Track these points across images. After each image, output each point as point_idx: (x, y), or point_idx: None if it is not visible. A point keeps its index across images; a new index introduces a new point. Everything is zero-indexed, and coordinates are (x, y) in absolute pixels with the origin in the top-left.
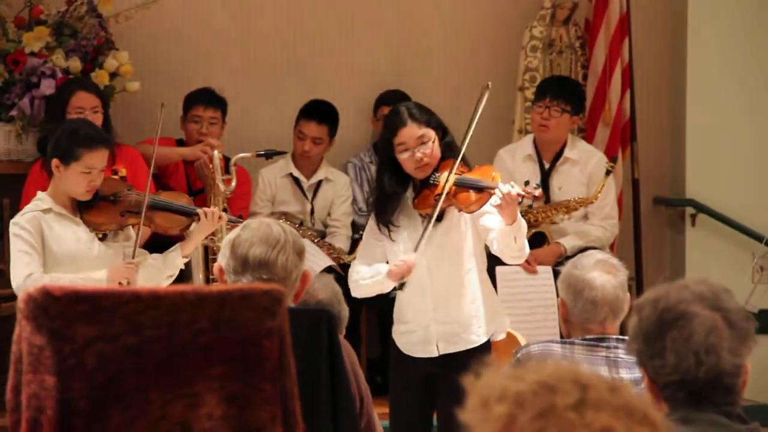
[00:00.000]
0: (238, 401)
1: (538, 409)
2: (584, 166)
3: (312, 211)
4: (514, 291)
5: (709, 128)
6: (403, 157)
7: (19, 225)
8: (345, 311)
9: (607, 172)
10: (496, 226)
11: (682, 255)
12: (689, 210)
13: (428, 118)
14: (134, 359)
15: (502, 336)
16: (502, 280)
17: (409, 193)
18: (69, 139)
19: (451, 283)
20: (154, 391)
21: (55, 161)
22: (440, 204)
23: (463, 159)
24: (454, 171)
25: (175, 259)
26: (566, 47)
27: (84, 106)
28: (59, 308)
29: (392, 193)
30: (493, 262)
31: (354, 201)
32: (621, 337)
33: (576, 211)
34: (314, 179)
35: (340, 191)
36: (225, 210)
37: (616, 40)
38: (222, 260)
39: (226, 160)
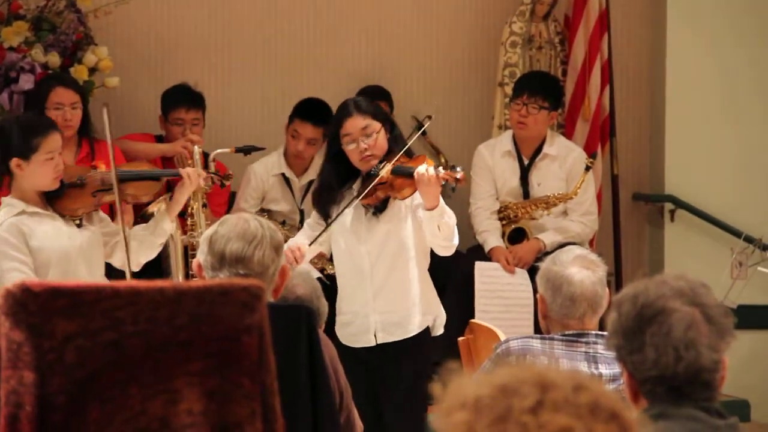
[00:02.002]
0: (217, 397)
1: (495, 414)
2: (563, 161)
3: (302, 214)
4: (491, 287)
5: (688, 124)
6: (349, 148)
7: (1, 238)
8: (324, 306)
9: (587, 168)
10: None
11: (661, 251)
12: (668, 206)
13: (374, 110)
14: (114, 355)
15: (440, 331)
16: (480, 276)
17: (356, 185)
18: (20, 134)
19: (391, 273)
20: (134, 386)
21: (14, 161)
22: (368, 188)
23: (407, 153)
24: (393, 161)
25: (164, 224)
26: (546, 43)
27: (63, 101)
28: (38, 304)
29: (330, 186)
30: (474, 257)
31: None
32: (600, 332)
33: (555, 206)
34: (305, 179)
35: None
36: (204, 206)
37: (596, 36)
38: (200, 256)
39: (206, 155)
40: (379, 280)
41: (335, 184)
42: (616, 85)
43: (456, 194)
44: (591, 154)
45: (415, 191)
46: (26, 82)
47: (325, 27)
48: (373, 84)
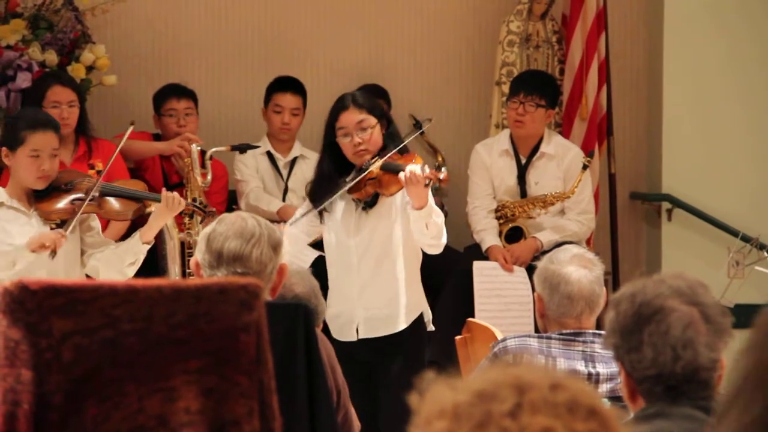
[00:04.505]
0: (214, 395)
1: (474, 421)
2: (561, 160)
3: (285, 190)
4: (490, 286)
5: (685, 123)
6: (343, 141)
7: None
8: (322, 305)
9: (584, 167)
10: None
11: (658, 250)
12: (665, 205)
13: (371, 105)
14: (111, 353)
15: (430, 327)
16: (478, 275)
17: (350, 179)
18: (12, 124)
19: (378, 268)
20: (131, 384)
21: (3, 150)
22: (356, 181)
23: (400, 150)
24: (385, 157)
25: (134, 246)
26: (543, 42)
27: (60, 100)
28: (36, 302)
29: (328, 176)
30: (472, 256)
31: None
32: (597, 331)
33: (553, 205)
34: (290, 156)
35: None
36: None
37: (593, 36)
38: (198, 254)
39: (203, 153)
40: (365, 274)
41: (331, 174)
42: (614, 84)
43: (453, 193)
44: (588, 153)
45: (401, 189)
46: (23, 81)
47: (323, 26)
48: (371, 83)
